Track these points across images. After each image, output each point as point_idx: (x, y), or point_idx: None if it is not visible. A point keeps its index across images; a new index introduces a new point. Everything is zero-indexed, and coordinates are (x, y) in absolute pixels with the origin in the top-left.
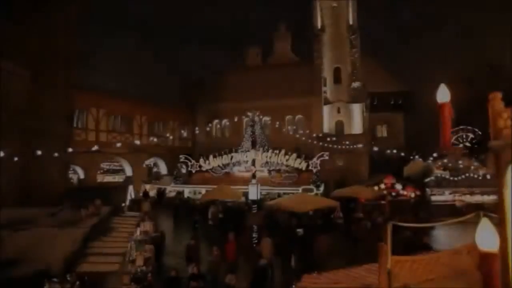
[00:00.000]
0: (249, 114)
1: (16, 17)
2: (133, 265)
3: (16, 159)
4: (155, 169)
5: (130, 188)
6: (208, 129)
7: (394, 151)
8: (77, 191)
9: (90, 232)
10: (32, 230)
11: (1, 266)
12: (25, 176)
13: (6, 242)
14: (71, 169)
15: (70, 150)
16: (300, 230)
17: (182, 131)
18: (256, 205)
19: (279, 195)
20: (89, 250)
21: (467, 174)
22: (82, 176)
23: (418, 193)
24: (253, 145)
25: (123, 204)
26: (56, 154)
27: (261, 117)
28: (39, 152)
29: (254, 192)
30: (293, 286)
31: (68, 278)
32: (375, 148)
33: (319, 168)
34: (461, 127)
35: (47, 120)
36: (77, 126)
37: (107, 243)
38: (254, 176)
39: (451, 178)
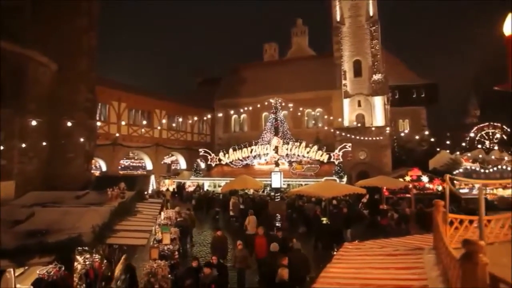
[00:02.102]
0: (272, 101)
1: (40, 8)
2: (160, 244)
3: (41, 148)
4: (173, 166)
5: (152, 178)
6: (226, 124)
7: (427, 132)
8: (101, 179)
9: (116, 209)
10: (59, 208)
11: (34, 234)
12: (50, 165)
13: (36, 215)
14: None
15: (93, 142)
16: (324, 219)
17: (201, 126)
18: (279, 194)
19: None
20: (117, 227)
21: (498, 167)
22: (104, 169)
23: (445, 186)
24: (276, 132)
25: (145, 193)
26: (81, 140)
27: (283, 104)
28: (63, 142)
29: (277, 180)
30: (334, 252)
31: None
32: (402, 133)
33: (341, 159)
34: (487, 123)
35: (71, 112)
36: (99, 119)
37: (134, 222)
38: (277, 164)
39: (482, 171)
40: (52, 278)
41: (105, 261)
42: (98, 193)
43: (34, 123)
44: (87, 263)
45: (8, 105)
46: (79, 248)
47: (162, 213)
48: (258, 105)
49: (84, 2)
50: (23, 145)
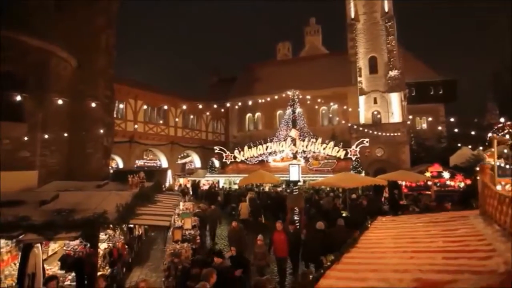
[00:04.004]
0: (289, 93)
1: (62, 7)
2: (182, 229)
3: (62, 141)
4: (188, 166)
5: (169, 172)
6: (240, 122)
7: (453, 119)
8: (118, 172)
9: (138, 194)
10: (83, 192)
11: (60, 212)
12: (70, 160)
13: (61, 198)
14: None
15: (111, 138)
16: (344, 212)
17: (215, 125)
18: (297, 188)
19: None
20: (139, 211)
21: None
22: (121, 165)
23: (468, 182)
24: (293, 124)
25: (163, 186)
26: (100, 134)
27: (300, 96)
28: (83, 134)
29: (295, 173)
30: (368, 223)
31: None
32: (424, 124)
33: (358, 155)
34: (508, 123)
35: (90, 108)
36: (116, 116)
37: (155, 208)
38: (295, 156)
39: (507, 167)
40: (78, 254)
41: (126, 247)
42: (117, 183)
43: (55, 116)
44: (112, 243)
45: (32, 98)
46: (103, 226)
47: (181, 203)
48: (276, 97)
49: (103, 1)
50: (45, 138)
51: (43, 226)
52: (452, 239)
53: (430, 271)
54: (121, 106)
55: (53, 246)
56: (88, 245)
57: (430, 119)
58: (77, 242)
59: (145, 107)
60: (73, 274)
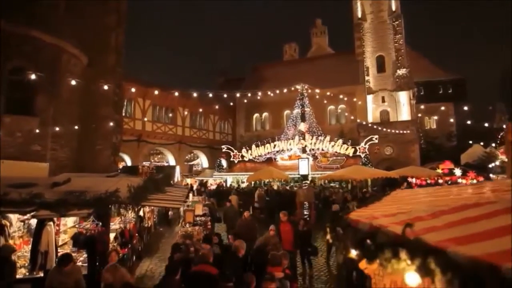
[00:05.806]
0: (298, 87)
1: (73, 5)
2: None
3: (72, 136)
4: (195, 168)
5: (178, 169)
6: (247, 122)
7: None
8: (127, 168)
9: (148, 179)
10: (94, 177)
11: (74, 193)
12: (79, 155)
13: (73, 182)
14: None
15: (120, 135)
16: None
17: (223, 125)
18: (306, 182)
19: None
20: (150, 197)
21: None
22: (129, 164)
23: (481, 180)
24: (302, 118)
25: (171, 182)
26: (110, 124)
27: (309, 91)
28: (92, 133)
29: (304, 167)
30: (387, 193)
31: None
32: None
33: (367, 152)
34: None
35: (99, 106)
36: (125, 115)
37: (165, 195)
38: (304, 150)
39: None
40: (90, 232)
41: (136, 234)
42: (128, 175)
43: (66, 111)
44: (123, 224)
45: (43, 92)
46: (115, 205)
47: (190, 194)
48: (285, 90)
49: (113, 0)
50: (56, 133)
51: (56, 203)
52: (482, 190)
53: (463, 202)
54: (129, 104)
55: (63, 237)
56: (100, 224)
57: (442, 110)
58: (89, 217)
59: (156, 93)
60: (85, 255)
